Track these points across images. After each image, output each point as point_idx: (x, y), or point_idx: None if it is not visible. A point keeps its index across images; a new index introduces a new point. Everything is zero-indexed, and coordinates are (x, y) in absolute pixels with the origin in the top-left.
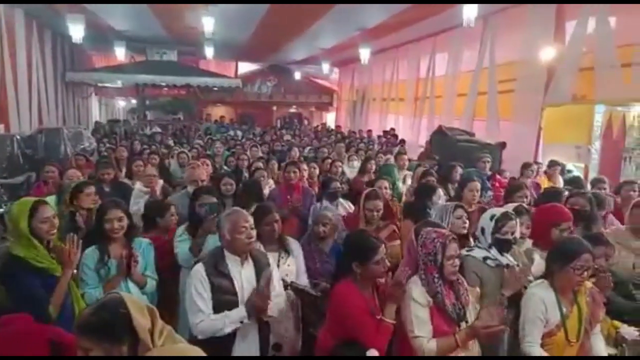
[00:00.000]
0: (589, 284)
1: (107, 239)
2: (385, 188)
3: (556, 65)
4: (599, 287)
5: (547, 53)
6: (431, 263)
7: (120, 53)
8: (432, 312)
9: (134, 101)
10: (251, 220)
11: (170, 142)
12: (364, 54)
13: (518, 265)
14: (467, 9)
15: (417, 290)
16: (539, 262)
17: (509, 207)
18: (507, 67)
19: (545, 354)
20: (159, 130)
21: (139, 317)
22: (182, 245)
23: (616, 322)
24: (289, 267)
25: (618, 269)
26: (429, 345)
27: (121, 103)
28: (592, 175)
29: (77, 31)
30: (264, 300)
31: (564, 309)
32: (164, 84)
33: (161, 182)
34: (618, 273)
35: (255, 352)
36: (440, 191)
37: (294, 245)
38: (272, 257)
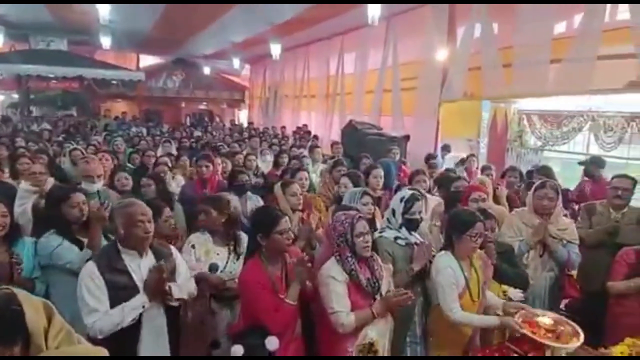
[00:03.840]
0: (479, 251)
1: None
2: (306, 179)
3: (449, 65)
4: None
5: (442, 54)
6: (343, 243)
7: None
8: (349, 288)
9: (15, 95)
10: (149, 213)
11: (61, 139)
12: (275, 49)
13: (423, 242)
14: (371, 9)
15: (334, 269)
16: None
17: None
18: (409, 66)
19: (465, 314)
20: (48, 127)
21: (33, 315)
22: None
23: (504, 286)
24: (235, 265)
25: (505, 241)
26: (348, 318)
27: None
28: (482, 164)
29: None
30: (159, 276)
31: (466, 274)
32: (51, 75)
33: (52, 180)
34: (505, 244)
35: (165, 344)
36: (347, 179)
37: (245, 239)
38: (222, 251)
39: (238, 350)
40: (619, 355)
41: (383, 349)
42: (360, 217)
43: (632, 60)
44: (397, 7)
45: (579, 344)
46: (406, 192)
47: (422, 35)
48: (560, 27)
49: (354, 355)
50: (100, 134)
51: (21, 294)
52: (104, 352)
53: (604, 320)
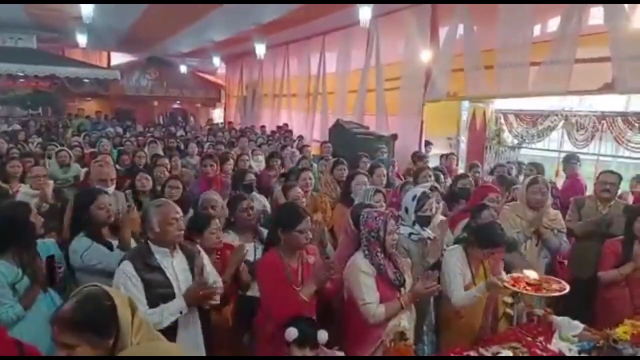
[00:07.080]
0: None
1: (28, 246)
2: (310, 179)
3: (433, 66)
4: None
5: (425, 55)
6: (374, 239)
7: None
8: (377, 281)
9: None
10: (180, 212)
11: (42, 141)
12: (260, 49)
13: (436, 238)
14: (362, 11)
15: (363, 263)
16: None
17: (425, 187)
18: (393, 66)
19: (461, 293)
20: (18, 127)
21: (123, 309)
22: None
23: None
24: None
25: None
26: (378, 310)
27: None
28: (461, 162)
29: None
30: (204, 290)
31: (473, 269)
32: (21, 73)
33: (52, 183)
34: (510, 237)
35: (198, 340)
36: (364, 177)
37: (264, 232)
38: (248, 247)
39: (292, 332)
40: (623, 334)
41: (411, 336)
42: (391, 215)
43: (607, 63)
44: (380, 9)
45: (557, 294)
46: (417, 191)
47: (404, 36)
48: (535, 31)
49: (386, 341)
50: (77, 135)
51: (109, 289)
52: (182, 349)
53: (592, 305)
